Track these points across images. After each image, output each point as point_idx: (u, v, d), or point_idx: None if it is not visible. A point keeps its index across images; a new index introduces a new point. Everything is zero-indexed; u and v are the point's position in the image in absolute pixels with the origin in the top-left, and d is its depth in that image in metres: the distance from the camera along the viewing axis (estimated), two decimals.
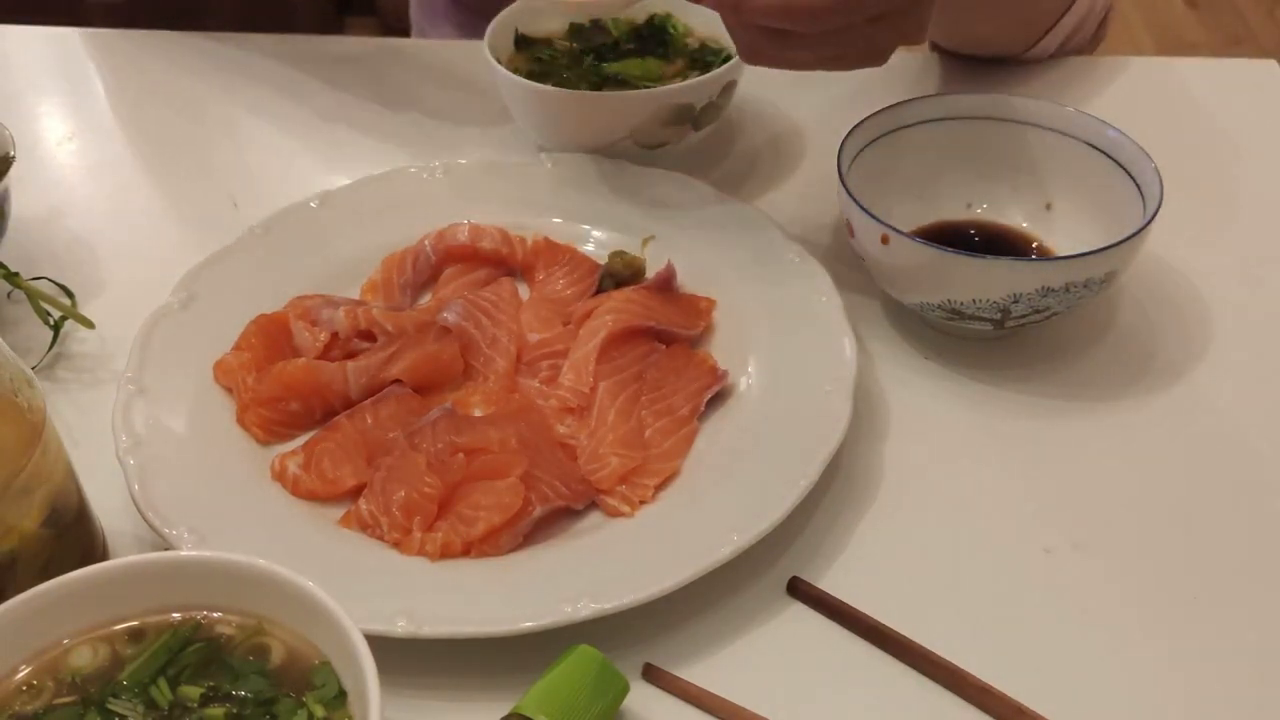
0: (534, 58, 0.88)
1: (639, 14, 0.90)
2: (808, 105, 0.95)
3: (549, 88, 0.82)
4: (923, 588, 0.61)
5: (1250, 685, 0.57)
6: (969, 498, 0.65)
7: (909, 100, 0.77)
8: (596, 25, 0.91)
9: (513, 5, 0.88)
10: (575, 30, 0.90)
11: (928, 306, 0.70)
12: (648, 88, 0.82)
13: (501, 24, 0.87)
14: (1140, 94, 0.95)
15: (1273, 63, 1.02)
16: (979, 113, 0.78)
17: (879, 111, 0.76)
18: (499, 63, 0.84)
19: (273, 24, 1.06)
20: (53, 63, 1.04)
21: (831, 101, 0.93)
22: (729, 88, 0.84)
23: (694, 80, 0.82)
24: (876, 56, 0.69)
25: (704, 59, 0.87)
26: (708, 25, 0.90)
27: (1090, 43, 1.00)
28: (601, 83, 0.85)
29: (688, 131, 0.84)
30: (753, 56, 0.70)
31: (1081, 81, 0.96)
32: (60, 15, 1.07)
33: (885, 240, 0.68)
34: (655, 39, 0.89)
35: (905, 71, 0.97)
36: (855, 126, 0.75)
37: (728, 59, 0.84)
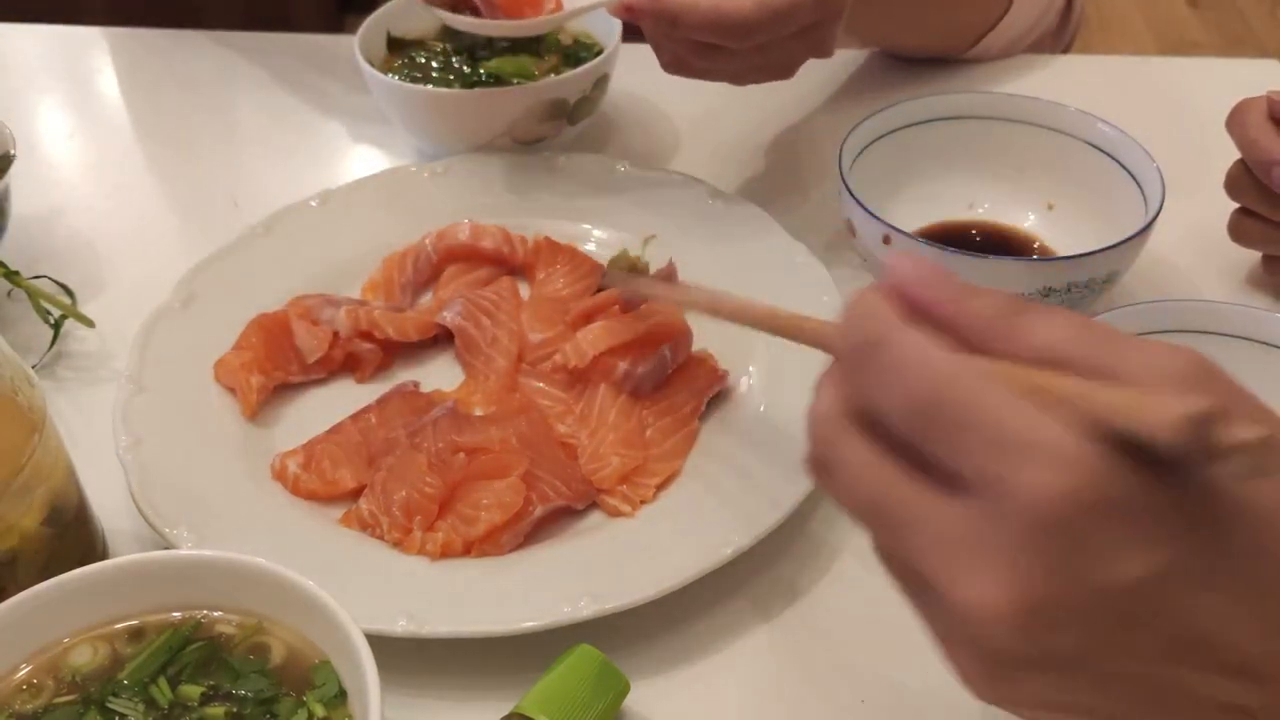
0: (407, 59, 0.89)
1: None
2: (808, 105, 0.95)
3: (423, 88, 0.83)
4: None
5: None
6: None
7: (910, 100, 0.77)
8: None
9: (384, 7, 0.89)
10: (448, 30, 0.90)
11: None
12: (521, 84, 0.83)
13: (372, 26, 0.88)
14: (1141, 94, 0.95)
15: (1274, 62, 1.02)
16: (980, 113, 0.78)
17: (880, 111, 0.76)
18: (371, 65, 0.84)
19: (273, 23, 1.06)
20: (53, 61, 1.04)
21: (833, 102, 0.93)
22: (601, 81, 0.85)
23: (566, 75, 0.83)
24: (789, 70, 0.74)
25: (576, 55, 0.88)
26: (579, 22, 0.90)
27: (1054, 39, 1.01)
28: (476, 81, 0.86)
29: (563, 126, 0.85)
30: (676, 68, 0.73)
31: (1082, 81, 0.96)
32: (61, 14, 1.07)
33: (887, 240, 0.68)
34: (528, 36, 0.90)
35: (905, 72, 0.97)
36: (856, 126, 0.75)
37: (599, 54, 0.85)
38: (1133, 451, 0.32)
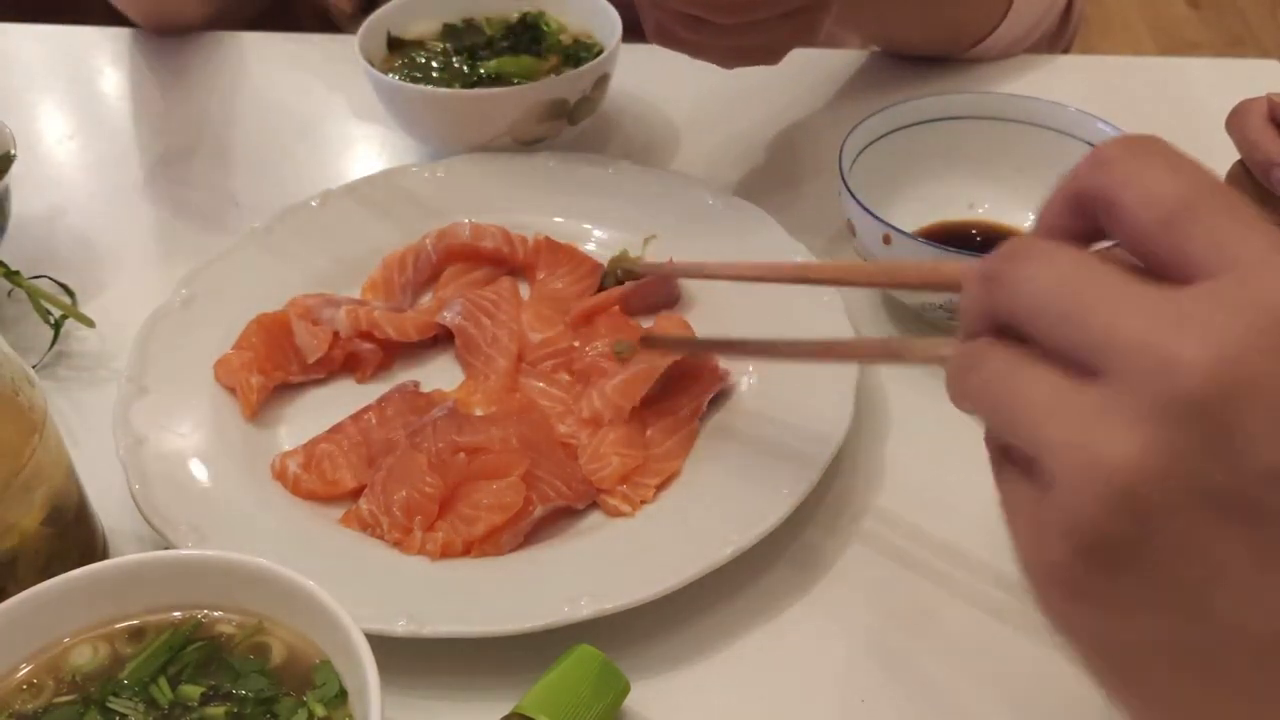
0: (407, 59, 0.89)
1: (512, 12, 0.92)
2: (808, 105, 0.95)
3: (423, 88, 0.83)
4: (925, 588, 0.61)
5: None
6: (970, 498, 0.65)
7: (910, 100, 0.77)
8: (469, 25, 0.92)
9: (384, 7, 0.89)
10: (448, 30, 0.90)
11: (929, 306, 0.70)
12: (521, 84, 0.83)
13: (373, 27, 0.88)
14: (1141, 94, 0.95)
15: (1274, 62, 1.02)
16: (980, 113, 0.78)
17: (880, 111, 0.76)
18: (371, 65, 0.84)
19: (273, 23, 1.06)
20: (53, 61, 1.04)
21: (833, 101, 0.93)
22: (602, 81, 0.85)
23: (566, 75, 0.83)
24: (774, 55, 0.73)
25: (577, 55, 0.88)
26: (581, 21, 0.90)
27: (1054, 40, 1.01)
28: (476, 81, 0.86)
29: (563, 126, 0.85)
30: (661, 37, 0.72)
31: (1082, 81, 0.96)
32: (61, 14, 1.07)
33: (887, 240, 0.68)
34: (529, 36, 0.90)
35: (905, 72, 0.97)
36: (857, 126, 0.75)
37: (600, 54, 0.85)
38: None
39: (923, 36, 0.95)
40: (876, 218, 0.68)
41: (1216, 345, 0.29)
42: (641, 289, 0.74)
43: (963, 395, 0.36)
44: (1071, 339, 0.32)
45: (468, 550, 0.60)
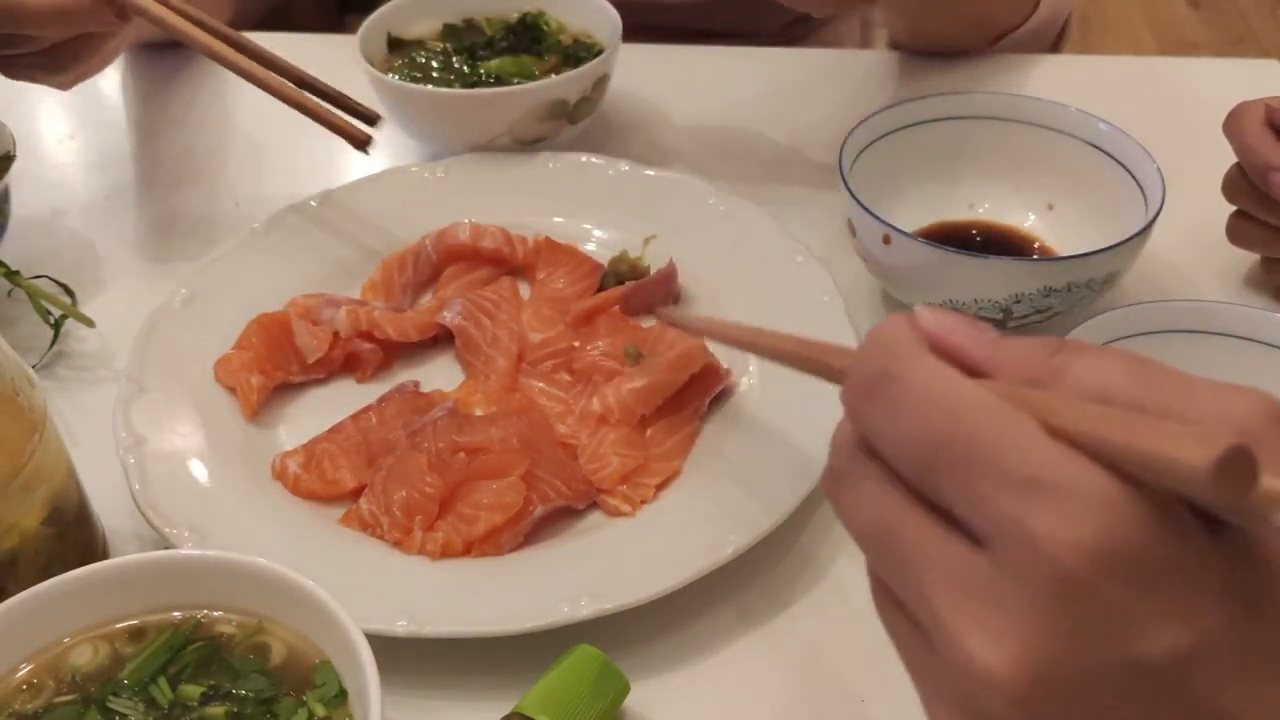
0: (407, 59, 0.89)
1: (512, 12, 0.92)
2: (808, 105, 0.95)
3: (424, 88, 0.83)
4: None
5: None
6: None
7: (910, 100, 0.77)
8: (469, 25, 0.92)
9: (383, 8, 0.89)
10: (448, 30, 0.90)
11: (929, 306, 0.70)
12: (521, 84, 0.83)
13: (373, 27, 0.88)
14: (1142, 94, 0.95)
15: (1274, 63, 1.02)
16: (980, 113, 0.78)
17: (880, 111, 0.76)
18: (371, 65, 0.84)
19: (273, 23, 1.06)
20: None
21: (833, 101, 0.93)
22: (602, 82, 0.85)
23: (566, 75, 0.83)
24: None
25: (577, 55, 0.89)
26: (581, 21, 0.91)
27: (1054, 44, 1.01)
28: (476, 81, 0.86)
29: (563, 126, 0.85)
30: None
31: (1082, 81, 0.96)
32: None
33: (887, 240, 0.68)
34: (529, 36, 0.90)
35: (905, 71, 0.97)
36: (857, 126, 0.75)
37: (600, 54, 0.85)
38: (1164, 496, 0.29)
39: (959, 30, 0.95)
40: (876, 218, 0.68)
41: (1014, 653, 0.29)
42: (641, 289, 0.74)
43: (839, 511, 0.36)
44: (886, 575, 0.34)
45: (468, 550, 0.60)
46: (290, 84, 0.75)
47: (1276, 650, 0.30)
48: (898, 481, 0.33)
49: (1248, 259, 0.79)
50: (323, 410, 0.69)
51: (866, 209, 0.69)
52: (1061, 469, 0.29)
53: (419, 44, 0.90)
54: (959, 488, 0.31)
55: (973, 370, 0.33)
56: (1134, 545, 0.28)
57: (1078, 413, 0.30)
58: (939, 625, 0.31)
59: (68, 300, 0.76)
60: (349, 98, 0.78)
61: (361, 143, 0.74)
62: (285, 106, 0.74)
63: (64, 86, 0.79)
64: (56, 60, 0.76)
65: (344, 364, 0.72)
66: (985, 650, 0.30)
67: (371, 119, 0.78)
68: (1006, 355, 0.33)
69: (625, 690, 0.53)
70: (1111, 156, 0.74)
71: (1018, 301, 0.67)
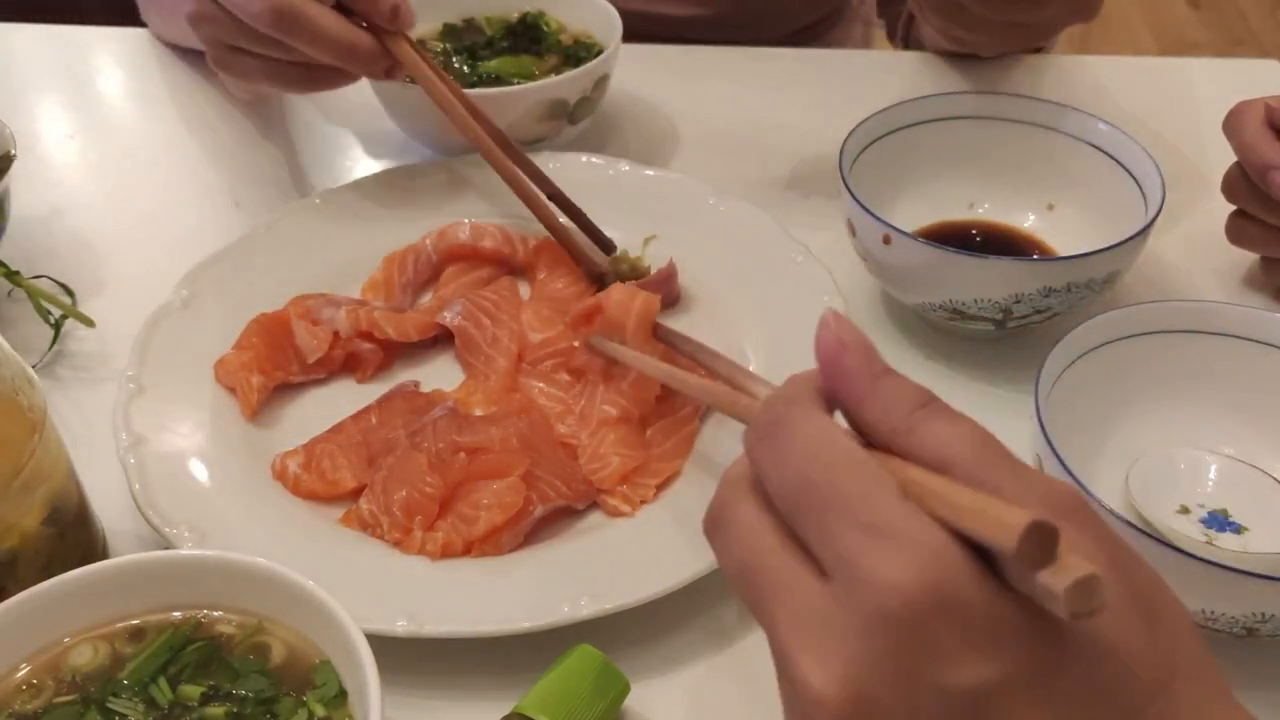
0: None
1: (512, 12, 0.92)
2: (808, 105, 0.95)
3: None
4: None
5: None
6: None
7: (910, 100, 0.77)
8: (470, 25, 0.93)
9: None
10: (448, 30, 0.90)
11: (929, 306, 0.70)
12: (521, 84, 0.83)
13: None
14: (1142, 94, 0.95)
15: (1274, 63, 1.02)
16: (980, 113, 0.78)
17: (880, 111, 0.76)
18: None
19: None
20: (53, 61, 1.04)
21: (833, 102, 0.93)
22: (602, 82, 0.85)
23: (566, 75, 0.83)
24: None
25: (577, 55, 0.89)
26: (581, 21, 0.91)
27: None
28: (476, 81, 0.86)
29: (563, 126, 0.85)
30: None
31: (1082, 81, 0.96)
32: (61, 14, 1.07)
33: (887, 240, 0.68)
34: (528, 36, 0.91)
35: (905, 71, 0.97)
36: (857, 126, 0.75)
37: (600, 54, 0.85)
38: (986, 555, 0.33)
39: (1001, 42, 0.94)
40: (876, 218, 0.68)
41: (838, 676, 0.33)
42: (641, 289, 0.74)
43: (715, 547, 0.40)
44: (749, 605, 0.37)
45: (468, 550, 0.60)
46: (543, 196, 0.77)
47: (1076, 702, 0.33)
48: (770, 517, 0.37)
49: (1248, 259, 0.79)
50: (323, 410, 0.69)
51: (866, 209, 0.69)
52: (905, 522, 0.33)
53: (419, 44, 0.90)
54: (816, 525, 0.35)
55: (849, 398, 0.38)
56: (954, 592, 0.32)
57: (929, 481, 0.35)
58: (782, 649, 0.35)
59: (68, 300, 0.76)
60: (589, 219, 0.78)
61: (594, 277, 0.75)
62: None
63: (247, 97, 0.79)
64: (286, 77, 0.75)
65: (344, 364, 0.72)
66: (814, 673, 0.33)
67: (609, 248, 0.78)
68: (879, 396, 0.38)
69: (625, 690, 0.53)
70: (1111, 156, 0.74)
71: (1018, 301, 0.67)
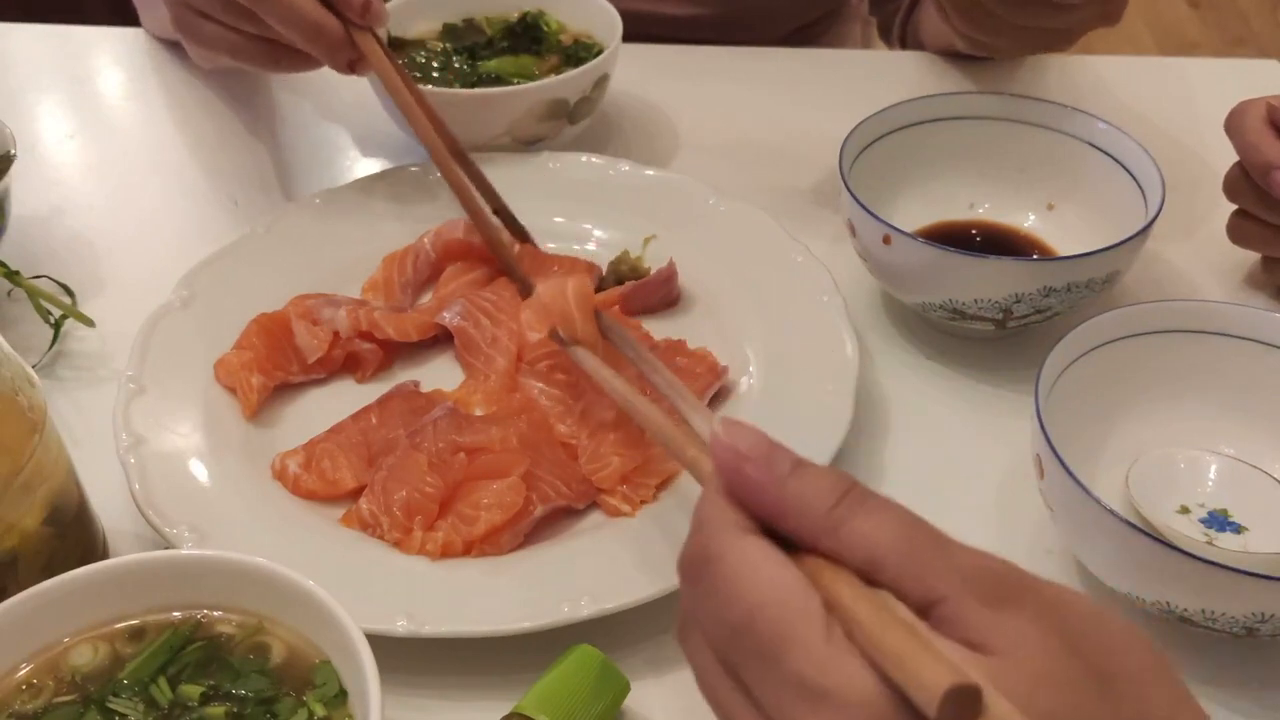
0: (407, 59, 0.89)
1: (512, 12, 0.92)
2: (808, 105, 0.95)
3: (424, 88, 0.83)
4: None
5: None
6: (970, 498, 0.65)
7: (910, 100, 0.77)
8: (469, 25, 0.93)
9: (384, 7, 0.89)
10: (448, 30, 0.91)
11: (929, 306, 0.70)
12: (521, 84, 0.83)
13: None
14: (1141, 94, 0.95)
15: (1274, 63, 1.02)
16: (980, 113, 0.78)
17: (880, 112, 0.76)
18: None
19: None
20: (54, 61, 1.04)
21: (833, 102, 0.93)
22: (602, 81, 0.85)
23: (566, 75, 0.83)
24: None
25: (577, 54, 0.89)
26: (581, 21, 0.91)
27: None
28: (476, 81, 0.86)
29: (563, 126, 0.85)
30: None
31: (1082, 81, 0.96)
32: (61, 13, 1.07)
33: (887, 240, 0.68)
34: (528, 36, 0.91)
35: (905, 71, 0.97)
36: (857, 126, 0.75)
37: (600, 54, 0.85)
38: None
39: (1021, 46, 0.93)
40: (876, 218, 0.68)
41: None
42: (641, 289, 0.74)
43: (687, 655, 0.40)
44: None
45: (468, 550, 0.60)
46: (489, 210, 0.77)
47: None
48: (714, 655, 0.37)
49: (1248, 259, 0.79)
50: (323, 410, 0.69)
51: (866, 209, 0.69)
52: (834, 677, 0.33)
53: (419, 44, 0.90)
54: (749, 674, 0.35)
55: (761, 512, 0.38)
56: None
57: (857, 608, 0.34)
58: None
59: (68, 300, 0.76)
60: (532, 240, 0.79)
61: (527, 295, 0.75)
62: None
63: (208, 66, 0.79)
64: (248, 51, 0.75)
65: (344, 364, 0.72)
66: None
67: (524, 237, 0.78)
68: (791, 501, 0.37)
69: (625, 690, 0.53)
70: (1111, 156, 0.74)
71: (1017, 301, 0.67)
